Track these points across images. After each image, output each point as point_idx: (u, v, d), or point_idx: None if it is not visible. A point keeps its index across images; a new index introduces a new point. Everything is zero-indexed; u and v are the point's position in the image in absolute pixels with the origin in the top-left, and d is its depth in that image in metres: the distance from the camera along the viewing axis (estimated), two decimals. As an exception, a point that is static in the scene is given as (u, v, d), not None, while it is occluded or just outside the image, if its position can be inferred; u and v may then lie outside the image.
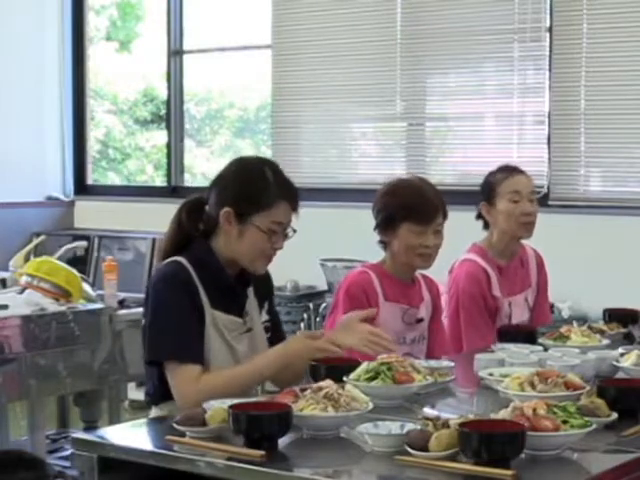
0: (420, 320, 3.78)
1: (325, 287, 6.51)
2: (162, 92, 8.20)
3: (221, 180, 3.11)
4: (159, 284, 3.04)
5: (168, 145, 7.98)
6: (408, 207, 3.63)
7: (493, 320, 4.05)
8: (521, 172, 4.20)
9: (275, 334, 3.25)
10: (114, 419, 4.98)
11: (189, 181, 8.04)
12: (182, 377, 2.94)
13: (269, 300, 3.28)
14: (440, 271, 3.91)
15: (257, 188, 3.03)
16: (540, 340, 3.57)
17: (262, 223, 3.02)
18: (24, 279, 4.70)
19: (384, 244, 3.75)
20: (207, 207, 3.10)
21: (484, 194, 4.18)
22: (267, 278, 3.29)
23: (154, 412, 3.06)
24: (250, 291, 3.18)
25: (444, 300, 4.10)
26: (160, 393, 3.03)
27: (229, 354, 3.05)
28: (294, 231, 3.10)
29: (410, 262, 3.70)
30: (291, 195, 3.07)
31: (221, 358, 3.03)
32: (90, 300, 4.85)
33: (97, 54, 8.52)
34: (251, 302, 3.18)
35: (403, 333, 3.72)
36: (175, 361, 2.96)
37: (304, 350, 2.97)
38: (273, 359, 2.99)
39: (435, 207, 3.66)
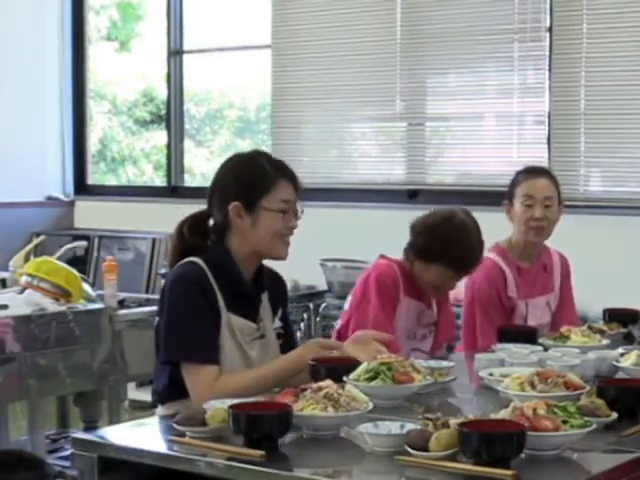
0: (435, 323, 3.83)
1: (325, 287, 6.51)
2: (162, 92, 8.20)
3: (219, 181, 3.14)
4: (175, 284, 3.04)
5: (168, 145, 7.98)
6: (454, 256, 3.67)
7: (508, 319, 4.08)
8: (542, 175, 4.21)
9: (288, 342, 3.25)
10: (114, 419, 4.98)
11: (189, 181, 8.04)
12: (199, 378, 2.95)
13: (283, 307, 3.29)
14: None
15: (256, 174, 3.07)
16: (540, 340, 3.58)
17: (271, 204, 3.05)
18: (24, 279, 4.70)
19: (407, 258, 3.78)
20: (211, 219, 3.13)
21: (507, 193, 4.21)
22: (281, 284, 3.30)
23: (160, 411, 3.06)
24: (264, 296, 3.18)
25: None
26: (169, 392, 3.04)
27: (242, 358, 3.06)
28: (302, 211, 3.13)
29: (426, 291, 3.76)
30: (289, 173, 3.12)
31: (234, 361, 3.03)
32: (90, 300, 4.85)
33: (97, 54, 8.52)
34: (265, 308, 3.18)
35: (414, 329, 3.80)
36: (192, 362, 2.97)
37: None
38: (287, 365, 3.00)
39: (477, 262, 3.75)
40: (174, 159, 7.91)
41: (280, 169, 3.11)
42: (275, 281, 3.26)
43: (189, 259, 3.07)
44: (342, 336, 3.79)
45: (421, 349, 3.80)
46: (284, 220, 3.06)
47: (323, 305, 6.45)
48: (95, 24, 8.60)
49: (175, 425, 2.51)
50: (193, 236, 3.12)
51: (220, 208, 3.08)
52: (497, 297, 4.09)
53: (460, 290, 4.76)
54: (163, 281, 3.24)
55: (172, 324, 3.01)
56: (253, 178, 3.06)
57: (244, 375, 2.99)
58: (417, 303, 3.79)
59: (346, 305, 3.91)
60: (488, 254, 4.18)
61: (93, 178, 8.45)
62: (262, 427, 2.39)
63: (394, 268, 3.76)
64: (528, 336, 3.60)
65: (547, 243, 4.29)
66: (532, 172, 4.23)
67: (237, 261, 3.08)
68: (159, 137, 8.54)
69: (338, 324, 3.92)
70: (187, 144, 8.03)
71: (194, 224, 3.15)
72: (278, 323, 3.23)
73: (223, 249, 3.08)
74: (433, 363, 3.21)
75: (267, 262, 3.22)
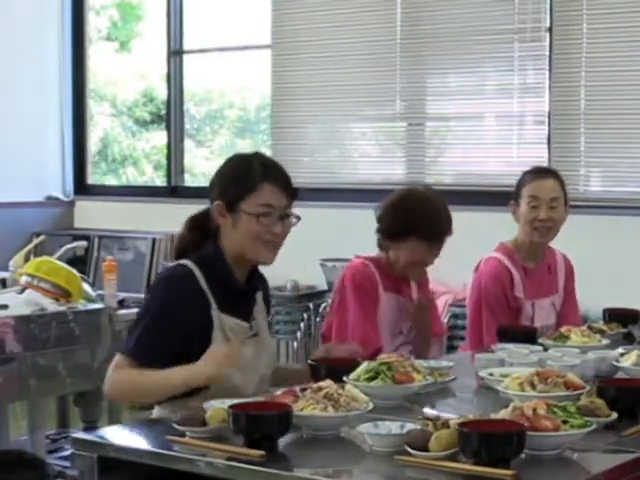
0: None
1: (325, 287, 6.51)
2: (162, 92, 8.20)
3: (213, 179, 3.14)
4: (158, 285, 3.07)
5: (168, 145, 7.98)
6: (421, 225, 3.67)
7: (515, 319, 4.08)
8: (549, 176, 4.20)
9: None
10: (114, 419, 4.98)
11: (189, 181, 8.04)
12: (115, 363, 2.94)
13: (268, 306, 3.31)
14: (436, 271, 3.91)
15: (240, 175, 3.04)
16: (540, 340, 3.57)
17: (250, 207, 3.00)
18: (24, 279, 4.70)
19: (382, 247, 3.79)
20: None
21: (514, 193, 4.21)
22: (266, 284, 3.29)
23: (156, 412, 3.05)
24: (259, 296, 3.18)
25: (467, 295, 4.18)
26: None
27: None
28: (298, 218, 3.07)
29: (405, 274, 3.77)
30: (278, 177, 3.05)
31: None
32: (90, 300, 4.85)
33: (97, 54, 8.52)
34: (259, 307, 3.18)
35: (399, 324, 3.79)
36: (133, 360, 2.93)
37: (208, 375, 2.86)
38: (182, 378, 2.87)
39: (447, 227, 3.72)
40: (174, 159, 7.91)
41: (268, 170, 3.04)
42: (263, 280, 3.26)
43: (180, 262, 3.06)
44: (326, 338, 3.80)
45: (410, 342, 3.80)
46: (262, 224, 3.00)
47: (323, 305, 6.45)
48: (95, 24, 8.60)
49: (175, 425, 2.51)
50: (193, 234, 3.13)
51: (211, 205, 3.10)
52: (503, 296, 4.09)
53: (462, 290, 4.79)
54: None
55: (138, 319, 3.02)
56: (237, 179, 3.04)
57: (143, 374, 2.91)
58: (396, 296, 3.79)
59: (328, 308, 3.92)
60: (494, 254, 4.18)
61: (93, 178, 8.45)
62: (262, 427, 2.38)
63: (368, 266, 3.76)
64: (528, 336, 3.60)
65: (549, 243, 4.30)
66: (538, 173, 4.23)
67: (229, 260, 3.06)
68: (159, 137, 8.54)
69: (323, 327, 3.92)
70: (187, 144, 8.03)
71: (195, 222, 3.15)
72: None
73: (215, 248, 3.07)
74: (433, 363, 3.21)
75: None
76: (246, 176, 3.03)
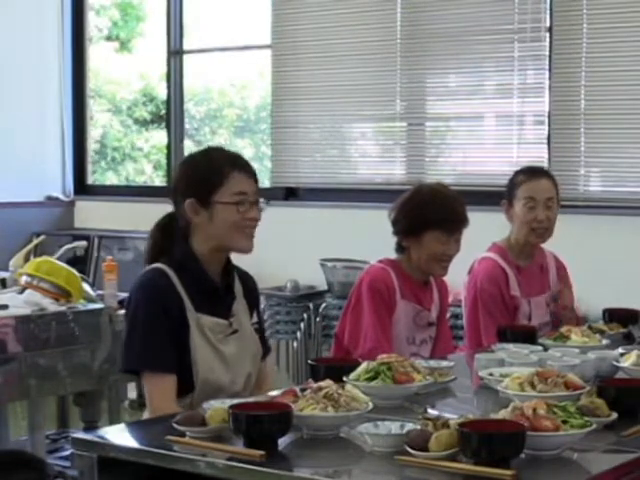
0: (431, 324, 3.83)
1: (325, 287, 6.51)
2: (162, 92, 8.20)
3: (175, 181, 3.17)
4: (137, 293, 3.08)
5: (168, 145, 7.98)
6: (437, 216, 3.68)
7: (512, 318, 4.08)
8: (543, 176, 4.20)
9: (260, 338, 3.27)
10: (114, 419, 4.98)
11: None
12: (158, 389, 2.95)
13: (256, 303, 3.30)
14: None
15: (206, 169, 3.07)
16: (540, 340, 3.58)
17: (225, 197, 3.03)
18: (24, 279, 4.70)
19: (401, 248, 3.78)
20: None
21: (506, 193, 4.20)
22: (252, 281, 3.30)
23: (146, 414, 3.06)
24: (239, 292, 3.18)
25: (462, 296, 4.17)
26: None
27: (216, 357, 3.06)
28: (267, 202, 3.12)
29: (429, 269, 3.76)
30: (241, 164, 3.08)
31: (208, 362, 3.04)
32: (90, 300, 4.85)
33: (97, 54, 8.52)
34: (239, 303, 3.18)
35: (413, 333, 3.78)
36: (149, 370, 2.97)
37: None
38: None
39: (462, 216, 3.74)
40: (174, 159, 7.91)
41: (230, 160, 3.08)
42: (246, 278, 3.27)
43: (154, 265, 3.09)
44: (340, 340, 3.80)
45: (420, 354, 3.78)
46: (240, 212, 3.03)
47: (323, 305, 6.45)
48: (95, 24, 8.61)
49: (175, 425, 2.50)
50: (164, 238, 3.15)
51: (179, 207, 3.10)
52: (500, 295, 4.09)
53: (460, 290, 4.78)
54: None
55: (130, 333, 3.03)
56: (204, 173, 3.06)
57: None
58: (413, 305, 3.78)
59: (343, 309, 3.92)
60: (487, 254, 4.18)
61: (93, 178, 8.45)
62: (262, 427, 2.38)
63: (388, 271, 3.75)
64: (528, 336, 3.60)
65: (549, 243, 4.29)
66: (533, 173, 4.22)
67: (201, 259, 3.08)
68: (159, 137, 8.54)
69: (336, 327, 3.92)
70: (187, 144, 8.03)
71: (164, 227, 3.19)
72: (255, 318, 3.24)
73: (186, 249, 3.09)
74: (433, 363, 3.21)
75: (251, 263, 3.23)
76: (213, 169, 3.05)
